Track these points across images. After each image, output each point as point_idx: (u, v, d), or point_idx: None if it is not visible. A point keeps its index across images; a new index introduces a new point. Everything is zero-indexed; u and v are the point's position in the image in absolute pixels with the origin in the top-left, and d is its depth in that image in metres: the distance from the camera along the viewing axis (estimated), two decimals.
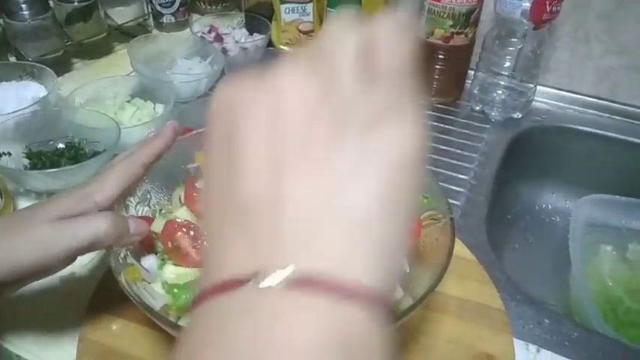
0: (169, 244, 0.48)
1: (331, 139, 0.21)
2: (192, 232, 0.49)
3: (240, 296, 0.19)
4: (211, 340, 0.18)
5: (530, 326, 0.56)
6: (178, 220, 0.50)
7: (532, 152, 0.90)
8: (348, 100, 0.21)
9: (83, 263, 0.58)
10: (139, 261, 0.46)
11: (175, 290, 0.44)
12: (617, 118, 0.91)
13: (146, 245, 0.48)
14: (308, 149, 0.20)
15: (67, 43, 0.90)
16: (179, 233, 0.49)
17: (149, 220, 0.50)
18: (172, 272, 0.46)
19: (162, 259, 0.48)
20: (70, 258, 0.41)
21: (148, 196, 0.52)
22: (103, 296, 0.53)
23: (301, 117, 0.21)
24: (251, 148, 0.21)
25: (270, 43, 0.98)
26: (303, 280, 0.18)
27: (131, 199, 0.49)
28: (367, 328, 0.19)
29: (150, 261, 0.47)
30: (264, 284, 0.18)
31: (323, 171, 0.20)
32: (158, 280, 0.46)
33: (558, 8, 0.78)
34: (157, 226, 0.50)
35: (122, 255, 0.44)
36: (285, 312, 0.18)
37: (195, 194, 0.52)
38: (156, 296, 0.43)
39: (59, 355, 0.50)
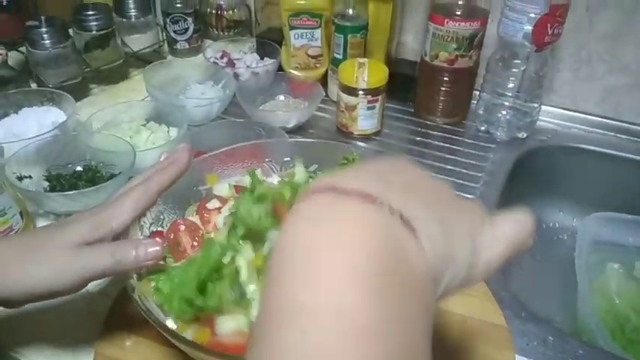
0: (171, 236, 0.51)
1: (447, 195, 0.30)
2: (193, 230, 0.52)
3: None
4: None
5: (535, 344, 0.57)
6: (184, 219, 0.53)
7: (538, 171, 0.91)
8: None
9: (99, 281, 0.60)
10: None
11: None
12: (622, 136, 0.92)
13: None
14: (431, 191, 0.29)
15: (86, 70, 0.94)
16: (182, 228, 0.52)
17: (162, 234, 0.52)
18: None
19: None
20: (83, 285, 0.43)
21: (162, 217, 0.54)
22: (118, 313, 0.55)
23: (427, 175, 0.30)
24: (385, 170, 0.28)
25: (280, 68, 1.01)
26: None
27: (145, 219, 0.51)
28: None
29: None
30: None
31: (441, 208, 0.27)
32: None
33: (560, 31, 0.80)
34: None
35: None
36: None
37: (206, 215, 0.54)
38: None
39: None
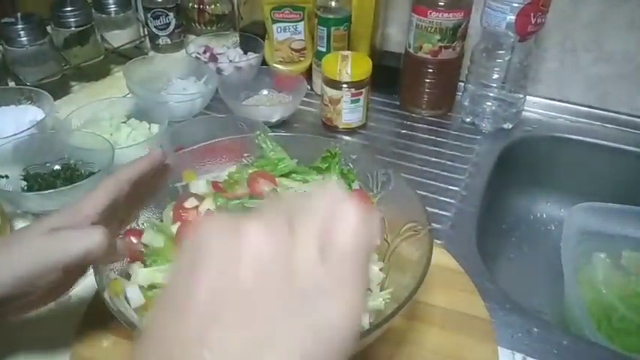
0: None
1: (270, 299, 0.23)
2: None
3: None
4: None
5: (519, 335, 0.56)
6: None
7: (524, 162, 0.91)
8: (300, 267, 0.24)
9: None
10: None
11: (150, 293, 0.45)
12: (608, 125, 0.91)
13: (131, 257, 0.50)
14: (246, 303, 0.23)
15: (65, 67, 0.92)
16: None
17: (137, 232, 0.51)
18: (144, 275, 0.47)
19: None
20: (67, 273, 0.43)
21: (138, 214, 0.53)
22: (94, 314, 0.54)
23: (253, 271, 0.24)
24: (200, 288, 0.24)
25: (263, 62, 1.00)
26: None
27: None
28: None
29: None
30: None
31: (250, 327, 0.23)
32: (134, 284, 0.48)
33: (543, 20, 0.79)
34: (147, 238, 0.51)
35: (106, 271, 0.46)
36: None
37: (183, 213, 0.54)
38: (132, 297, 0.45)
39: None
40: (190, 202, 0.54)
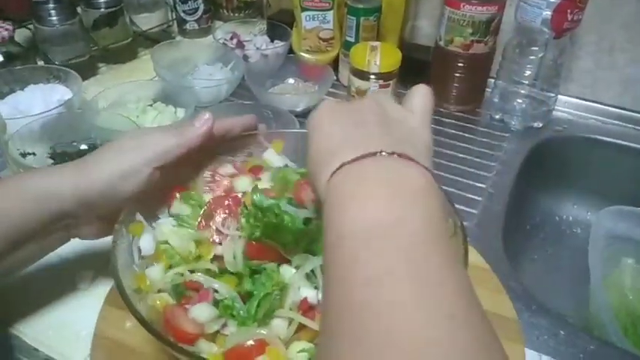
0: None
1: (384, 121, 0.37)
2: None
3: (372, 160, 0.33)
4: (359, 180, 0.32)
5: (545, 337, 0.55)
6: None
7: (552, 162, 0.89)
8: (399, 114, 0.39)
9: (100, 262, 0.59)
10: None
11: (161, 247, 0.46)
12: None
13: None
14: (387, 121, 0.37)
15: (93, 48, 0.93)
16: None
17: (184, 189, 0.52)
18: (164, 230, 0.47)
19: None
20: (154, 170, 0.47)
21: None
22: (118, 295, 0.53)
23: (380, 115, 0.38)
24: (367, 112, 0.38)
25: (290, 50, 0.99)
26: (402, 155, 0.33)
27: None
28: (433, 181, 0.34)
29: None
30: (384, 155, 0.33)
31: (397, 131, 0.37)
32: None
33: (580, 17, 0.77)
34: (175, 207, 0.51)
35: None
36: (403, 165, 0.33)
37: (216, 179, 0.53)
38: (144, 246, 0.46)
39: (75, 350, 0.51)
40: (225, 170, 0.53)
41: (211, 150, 0.53)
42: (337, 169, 0.33)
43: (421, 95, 0.40)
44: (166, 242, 0.46)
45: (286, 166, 0.55)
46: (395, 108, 0.39)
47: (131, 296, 0.39)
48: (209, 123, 0.50)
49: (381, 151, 0.33)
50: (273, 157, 0.55)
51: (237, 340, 0.39)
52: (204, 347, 0.40)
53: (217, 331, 0.41)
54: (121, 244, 0.45)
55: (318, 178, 0.34)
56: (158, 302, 0.43)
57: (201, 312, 0.40)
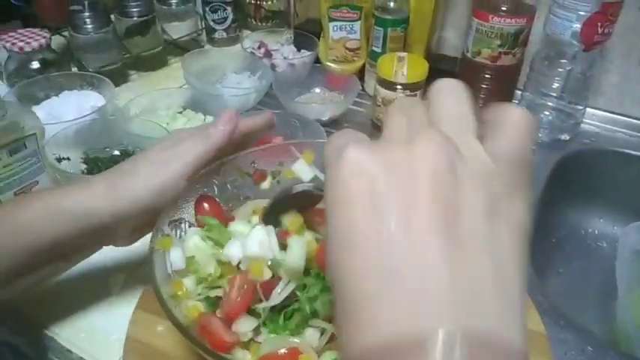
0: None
1: (475, 210, 0.22)
2: None
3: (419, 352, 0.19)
4: None
5: (573, 353, 0.55)
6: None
7: (579, 175, 0.88)
8: (482, 175, 0.23)
9: (134, 266, 0.61)
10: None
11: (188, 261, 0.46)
12: None
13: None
14: (455, 220, 0.22)
15: (125, 56, 0.95)
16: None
17: (210, 199, 0.52)
18: (192, 244, 0.47)
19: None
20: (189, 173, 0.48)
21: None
22: (150, 298, 0.55)
23: (432, 187, 0.22)
24: (401, 212, 0.22)
25: (317, 60, 1.00)
26: (474, 342, 0.20)
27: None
28: None
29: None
30: (439, 350, 0.19)
31: (471, 241, 0.22)
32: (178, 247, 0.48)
33: (610, 30, 0.77)
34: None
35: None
36: None
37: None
38: (174, 260, 0.46)
39: (107, 352, 0.52)
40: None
41: (237, 146, 0.53)
42: (365, 344, 0.21)
43: (513, 126, 0.25)
44: (192, 257, 0.47)
45: (316, 176, 0.56)
46: (473, 156, 0.23)
47: (168, 302, 0.40)
48: (233, 122, 0.50)
49: (439, 332, 0.19)
50: (303, 168, 0.55)
51: (270, 348, 0.40)
52: (239, 355, 0.41)
53: (250, 339, 0.42)
54: (157, 249, 0.46)
55: (346, 330, 0.22)
56: (193, 310, 0.43)
57: (244, 325, 0.41)
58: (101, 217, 0.45)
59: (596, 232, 0.92)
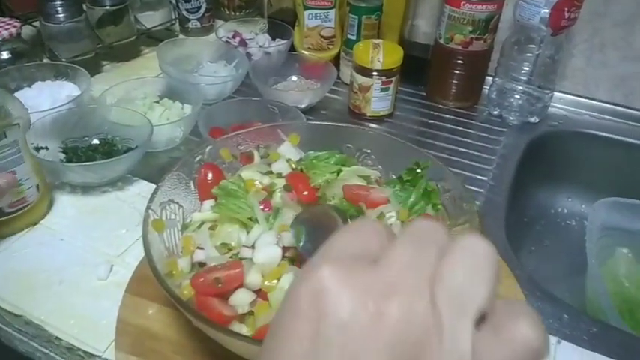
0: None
1: None
2: None
3: None
4: None
5: (550, 321, 0.58)
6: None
7: (548, 156, 0.92)
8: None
9: (121, 252, 0.60)
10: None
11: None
12: (633, 123, 0.92)
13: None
14: None
15: (99, 46, 0.93)
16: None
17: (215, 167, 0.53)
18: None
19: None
20: None
21: None
22: (140, 282, 0.55)
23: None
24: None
25: (292, 48, 1.01)
26: None
27: None
28: None
29: None
30: None
31: None
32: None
33: (576, 15, 0.80)
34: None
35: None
36: None
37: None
38: None
39: (96, 337, 0.52)
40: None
41: None
42: None
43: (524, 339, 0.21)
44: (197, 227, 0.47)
45: (301, 160, 0.57)
46: (452, 348, 0.20)
47: (165, 277, 0.41)
48: None
49: None
50: (289, 150, 0.56)
51: (265, 320, 0.41)
52: (236, 329, 0.41)
53: (247, 312, 0.43)
54: (151, 231, 0.46)
55: None
56: (188, 288, 0.44)
57: (241, 298, 0.42)
58: None
59: (565, 211, 0.96)
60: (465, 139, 0.87)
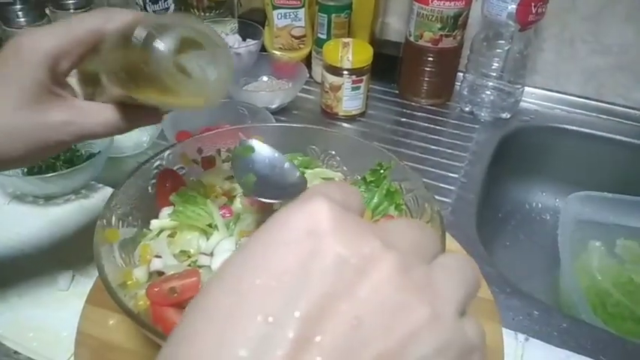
0: None
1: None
2: None
3: None
4: None
5: (520, 318, 0.57)
6: None
7: (521, 151, 0.92)
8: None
9: (81, 262, 0.59)
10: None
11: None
12: (604, 117, 0.92)
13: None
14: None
15: None
16: None
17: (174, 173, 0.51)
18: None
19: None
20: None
21: None
22: (101, 293, 0.53)
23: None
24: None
25: (263, 48, 0.99)
26: None
27: None
28: None
29: None
30: None
31: None
32: None
33: (543, 10, 0.80)
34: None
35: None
36: None
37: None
38: None
39: (56, 350, 0.51)
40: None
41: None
42: None
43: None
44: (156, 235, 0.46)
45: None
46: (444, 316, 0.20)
47: (116, 290, 0.39)
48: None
49: None
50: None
51: None
52: None
53: None
54: (104, 242, 0.45)
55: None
56: (143, 299, 0.43)
57: None
58: None
59: (540, 205, 0.97)
60: (437, 137, 0.86)
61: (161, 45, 0.35)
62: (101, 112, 0.40)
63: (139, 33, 0.35)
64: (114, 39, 0.38)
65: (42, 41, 0.37)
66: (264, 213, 0.48)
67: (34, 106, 0.38)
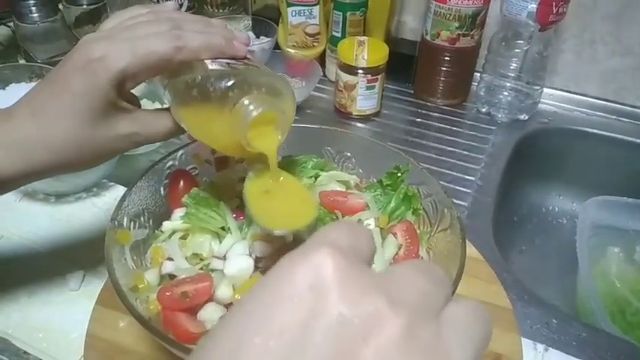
0: None
1: None
2: None
3: None
4: None
5: (538, 326, 0.56)
6: None
7: (538, 154, 0.90)
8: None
9: (95, 261, 0.58)
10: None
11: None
12: (624, 119, 0.90)
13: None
14: None
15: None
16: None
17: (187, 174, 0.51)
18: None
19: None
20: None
21: None
22: (110, 295, 0.53)
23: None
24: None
25: (276, 46, 0.98)
26: None
27: None
28: None
29: None
30: None
31: None
32: None
33: (564, 9, 0.78)
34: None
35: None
36: None
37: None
38: None
39: (66, 352, 0.50)
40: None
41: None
42: None
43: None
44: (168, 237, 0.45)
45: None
46: None
47: (127, 294, 0.38)
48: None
49: None
50: None
51: None
52: None
53: None
54: (116, 243, 0.44)
55: None
56: (155, 303, 0.42)
57: (210, 313, 0.40)
58: (29, 144, 0.39)
59: (557, 209, 0.95)
60: (454, 138, 0.85)
61: (247, 110, 0.36)
62: (162, 121, 0.43)
63: (221, 82, 0.37)
64: (187, 77, 0.39)
65: (113, 61, 0.38)
66: None
67: (103, 121, 0.40)
